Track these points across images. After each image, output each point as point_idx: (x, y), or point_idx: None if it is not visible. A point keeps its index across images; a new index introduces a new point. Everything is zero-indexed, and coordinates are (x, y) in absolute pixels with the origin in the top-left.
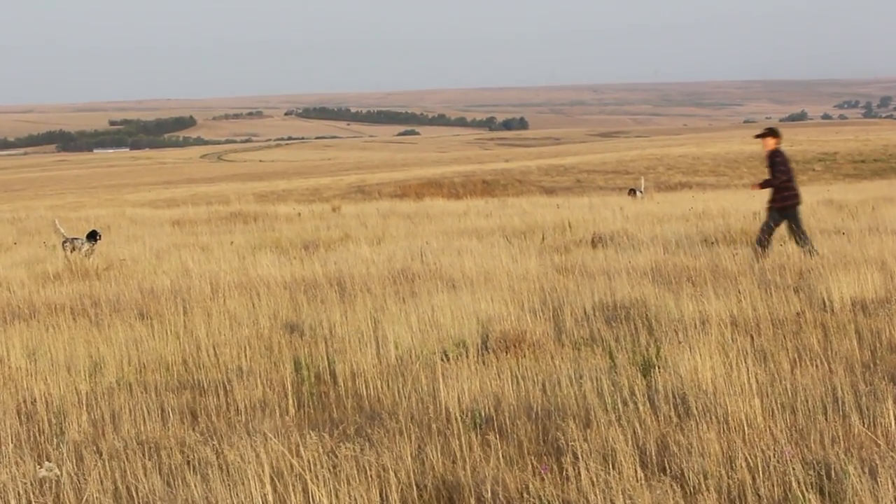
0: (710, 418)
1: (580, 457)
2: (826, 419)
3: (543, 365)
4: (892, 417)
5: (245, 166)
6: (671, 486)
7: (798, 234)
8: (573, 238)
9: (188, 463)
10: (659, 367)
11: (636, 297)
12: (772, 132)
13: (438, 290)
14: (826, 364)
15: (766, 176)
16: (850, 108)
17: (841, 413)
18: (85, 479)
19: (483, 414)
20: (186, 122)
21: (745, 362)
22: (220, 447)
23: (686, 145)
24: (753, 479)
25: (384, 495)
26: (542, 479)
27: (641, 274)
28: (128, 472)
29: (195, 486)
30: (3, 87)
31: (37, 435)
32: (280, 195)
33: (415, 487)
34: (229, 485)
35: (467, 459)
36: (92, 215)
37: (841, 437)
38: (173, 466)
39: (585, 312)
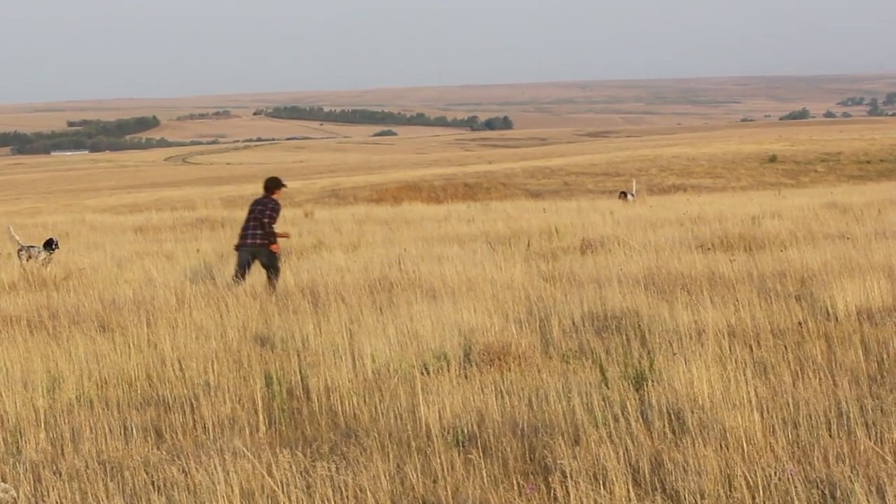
0: (707, 434)
1: (569, 476)
2: (830, 435)
3: (530, 379)
4: None
5: (212, 169)
6: None
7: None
8: (561, 244)
9: (153, 483)
10: (652, 381)
11: (628, 306)
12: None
13: (418, 299)
14: (830, 376)
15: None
16: (855, 105)
17: (846, 428)
18: (43, 501)
19: (465, 431)
20: (149, 123)
21: (744, 375)
22: (186, 467)
23: (680, 145)
24: (753, 498)
25: None
26: (529, 500)
27: (633, 282)
28: (89, 494)
29: None
30: None
31: None
32: (249, 200)
33: None
34: None
35: (449, 479)
36: (49, 222)
37: (846, 454)
38: (137, 487)
39: (574, 323)
